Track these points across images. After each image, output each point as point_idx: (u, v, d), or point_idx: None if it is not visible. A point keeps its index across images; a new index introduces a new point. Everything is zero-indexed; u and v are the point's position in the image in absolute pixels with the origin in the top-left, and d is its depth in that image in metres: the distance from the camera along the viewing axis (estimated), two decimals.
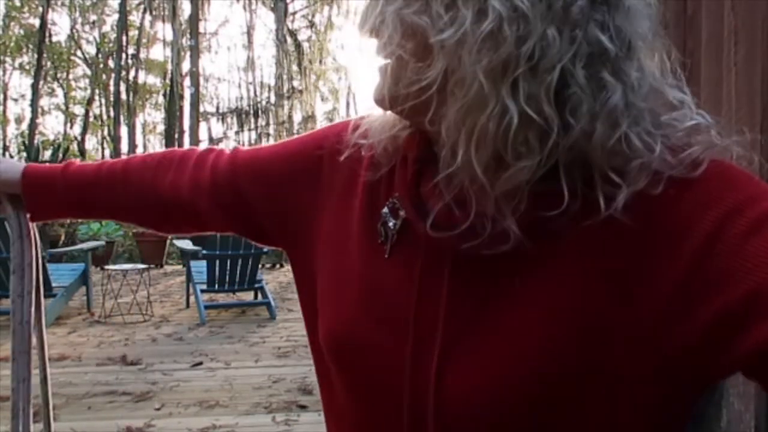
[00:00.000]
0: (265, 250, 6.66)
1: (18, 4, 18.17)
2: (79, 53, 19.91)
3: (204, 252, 6.54)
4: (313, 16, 17.90)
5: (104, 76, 18.87)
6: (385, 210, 0.69)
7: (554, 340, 0.57)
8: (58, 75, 20.01)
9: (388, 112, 0.69)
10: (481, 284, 0.62)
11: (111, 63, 18.63)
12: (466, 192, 0.58)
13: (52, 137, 17.77)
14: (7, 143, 18.88)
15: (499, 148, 0.55)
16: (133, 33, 18.61)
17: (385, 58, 0.61)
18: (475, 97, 0.54)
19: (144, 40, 18.82)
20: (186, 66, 17.11)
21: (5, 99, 20.71)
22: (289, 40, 17.08)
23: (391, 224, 0.68)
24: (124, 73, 17.82)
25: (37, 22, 17.74)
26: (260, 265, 6.88)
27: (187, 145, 17.14)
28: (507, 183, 0.56)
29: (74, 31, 19.36)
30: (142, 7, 17.90)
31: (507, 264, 0.60)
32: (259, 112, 17.94)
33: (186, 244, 7.40)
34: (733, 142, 0.59)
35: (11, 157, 13.50)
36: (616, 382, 0.56)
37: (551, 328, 0.57)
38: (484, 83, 0.54)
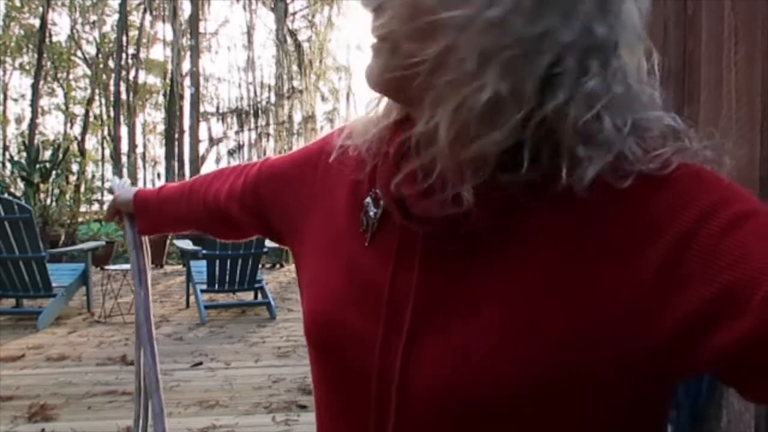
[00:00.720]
0: (265, 249, 6.66)
1: (18, 4, 18.18)
2: (79, 53, 19.91)
3: (204, 252, 6.54)
4: (313, 16, 17.91)
5: (104, 76, 18.88)
6: (368, 200, 0.71)
7: (519, 327, 0.57)
8: (58, 75, 20.01)
9: (371, 114, 0.72)
10: (450, 269, 0.62)
11: (111, 63, 18.63)
12: (435, 162, 0.60)
13: (52, 137, 17.76)
14: (7, 143, 18.89)
15: (473, 120, 0.56)
16: (133, 33, 18.62)
17: (384, 36, 0.62)
18: (466, 73, 0.55)
19: (144, 40, 18.83)
20: (186, 66, 17.12)
21: (5, 99, 20.71)
22: (289, 40, 17.08)
23: (372, 213, 0.70)
24: (124, 73, 17.82)
25: (37, 22, 17.76)
26: (260, 265, 6.88)
27: (186, 144, 17.15)
28: (475, 152, 0.57)
29: (74, 31, 19.37)
30: (142, 7, 17.90)
31: (476, 250, 0.61)
32: (259, 112, 17.94)
33: (186, 244, 7.40)
34: (704, 147, 0.60)
35: (11, 157, 13.51)
36: (582, 375, 0.56)
37: (516, 314, 0.58)
38: (480, 62, 0.55)
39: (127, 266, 7.53)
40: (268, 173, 0.92)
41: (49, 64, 18.61)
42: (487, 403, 0.58)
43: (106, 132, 19.74)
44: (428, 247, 0.64)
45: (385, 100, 0.71)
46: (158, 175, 20.23)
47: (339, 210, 0.76)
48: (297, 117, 17.45)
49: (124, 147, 18.53)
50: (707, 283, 0.51)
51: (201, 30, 17.28)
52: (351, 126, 0.76)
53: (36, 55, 17.41)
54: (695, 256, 0.52)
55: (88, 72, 19.99)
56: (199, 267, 6.77)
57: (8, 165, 12.60)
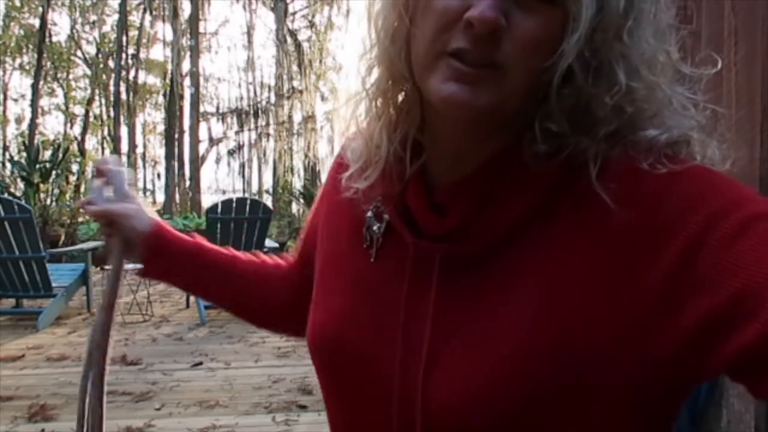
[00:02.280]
0: (265, 249, 6.66)
1: (18, 4, 18.18)
2: (79, 53, 19.92)
3: None
4: (313, 16, 17.92)
5: (104, 76, 18.88)
6: (370, 214, 0.69)
7: (538, 344, 0.57)
8: (58, 75, 20.00)
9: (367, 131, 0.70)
10: (468, 289, 0.62)
11: (111, 63, 18.63)
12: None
13: (52, 137, 17.76)
14: (7, 143, 18.89)
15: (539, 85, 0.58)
16: (133, 33, 18.62)
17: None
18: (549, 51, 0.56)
19: (144, 40, 18.84)
20: (186, 66, 17.13)
21: (5, 99, 20.72)
22: (289, 40, 17.08)
23: (375, 228, 0.69)
24: (124, 73, 17.83)
25: (37, 22, 17.76)
26: None
27: (186, 144, 17.14)
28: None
29: (74, 31, 19.38)
30: (142, 7, 17.91)
31: (494, 267, 0.61)
32: (259, 112, 17.96)
33: None
34: (717, 147, 0.61)
35: (11, 157, 13.51)
36: (600, 384, 0.56)
37: (536, 332, 0.57)
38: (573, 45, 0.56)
39: (127, 266, 7.51)
40: (309, 232, 0.89)
41: (49, 64, 18.61)
42: (506, 417, 0.58)
43: (106, 132, 19.74)
44: (445, 266, 0.63)
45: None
46: (158, 175, 20.25)
47: (341, 228, 0.75)
48: (297, 117, 17.47)
49: (124, 147, 18.54)
50: (719, 288, 0.50)
51: (201, 30, 17.30)
52: (349, 147, 0.73)
53: (36, 55, 17.41)
54: (706, 260, 0.52)
55: (88, 72, 19.99)
56: None
57: (8, 165, 12.60)
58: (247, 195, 16.35)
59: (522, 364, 0.57)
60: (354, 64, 0.66)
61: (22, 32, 19.07)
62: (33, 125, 17.02)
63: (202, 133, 18.28)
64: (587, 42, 0.55)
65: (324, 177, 0.87)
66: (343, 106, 0.69)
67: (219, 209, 6.48)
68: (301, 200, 13.92)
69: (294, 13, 17.97)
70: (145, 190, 19.63)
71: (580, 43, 0.55)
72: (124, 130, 18.33)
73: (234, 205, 6.45)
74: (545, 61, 0.56)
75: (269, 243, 6.87)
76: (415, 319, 0.63)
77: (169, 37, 17.01)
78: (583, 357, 0.56)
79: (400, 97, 0.66)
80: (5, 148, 18.07)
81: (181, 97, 17.16)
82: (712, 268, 0.51)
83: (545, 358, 0.57)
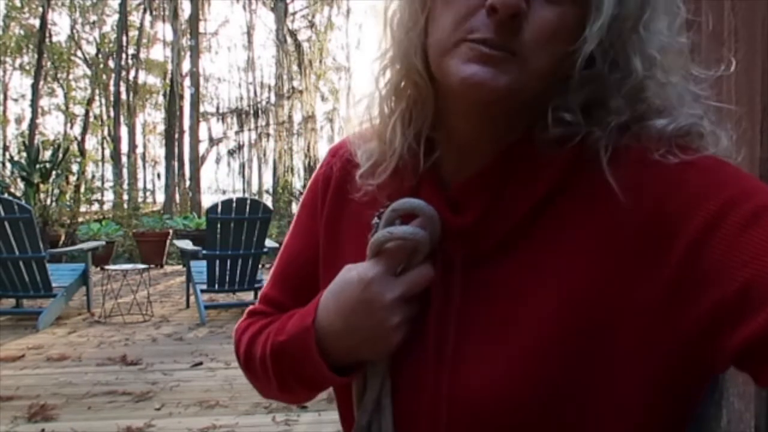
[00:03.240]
0: (265, 250, 6.66)
1: (18, 4, 18.17)
2: (79, 53, 19.91)
3: (204, 252, 6.53)
4: (313, 16, 17.91)
5: (104, 76, 18.87)
6: (376, 220, 0.69)
7: (557, 338, 0.58)
8: (58, 75, 20.00)
9: (365, 125, 0.70)
10: (488, 285, 0.63)
11: (111, 63, 18.63)
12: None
13: (52, 137, 17.74)
14: (7, 143, 18.88)
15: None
16: (133, 33, 18.62)
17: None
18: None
19: (144, 40, 18.84)
20: (186, 66, 17.12)
21: (5, 99, 20.73)
22: (289, 40, 17.08)
23: None
24: (124, 73, 17.83)
25: (37, 22, 17.75)
26: (260, 265, 6.87)
27: (187, 144, 17.15)
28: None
29: (74, 31, 19.37)
30: (142, 7, 17.90)
31: (512, 261, 0.62)
32: (259, 112, 17.96)
33: (186, 244, 7.40)
34: (728, 138, 0.61)
35: (11, 157, 13.50)
36: (618, 374, 0.57)
37: (555, 325, 0.59)
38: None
39: (127, 266, 7.53)
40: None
41: (49, 64, 18.60)
42: (532, 407, 0.59)
43: (106, 132, 19.74)
44: (463, 260, 0.64)
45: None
46: (158, 175, 20.24)
47: (343, 239, 0.75)
48: (297, 117, 17.47)
49: (124, 147, 18.55)
50: (729, 279, 0.51)
51: (201, 30, 17.30)
52: (351, 144, 0.73)
53: (36, 55, 17.41)
54: (717, 250, 0.53)
55: (88, 72, 19.99)
56: (199, 267, 6.77)
57: (8, 165, 12.60)
58: (247, 195, 16.35)
59: (542, 358, 0.58)
60: (367, 64, 0.67)
61: (22, 32, 19.06)
62: (33, 125, 17.02)
63: (202, 133, 18.29)
64: (607, 31, 0.57)
65: None
66: (355, 105, 0.70)
67: (219, 209, 6.47)
68: (301, 200, 13.89)
69: (294, 13, 17.97)
70: (145, 190, 19.62)
71: (602, 32, 0.56)
72: (124, 130, 18.35)
73: (234, 205, 6.45)
74: (564, 48, 0.57)
75: (269, 243, 6.86)
76: (439, 317, 0.65)
77: (169, 37, 17.01)
78: (600, 347, 0.57)
79: (414, 95, 0.66)
80: (5, 148, 18.06)
81: (181, 97, 17.15)
82: (722, 257, 0.52)
83: (564, 352, 0.58)
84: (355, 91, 0.71)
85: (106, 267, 8.03)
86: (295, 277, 0.81)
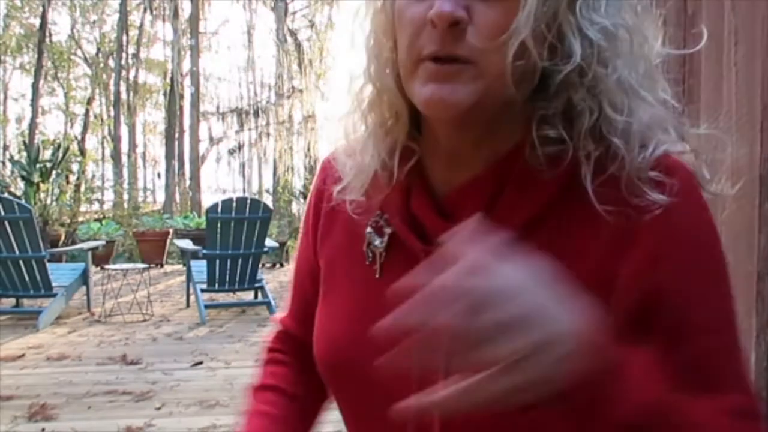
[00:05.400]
0: (265, 249, 6.66)
1: (18, 3, 18.17)
2: (79, 53, 19.90)
3: (204, 251, 6.53)
4: (313, 16, 17.90)
5: (104, 76, 18.87)
6: (369, 230, 0.69)
7: None
8: (59, 75, 19.98)
9: (354, 138, 0.70)
10: None
11: (111, 63, 18.63)
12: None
13: (52, 137, 17.68)
14: (7, 143, 18.87)
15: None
16: (134, 33, 18.61)
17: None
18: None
19: (144, 40, 18.84)
20: (186, 65, 17.13)
21: (5, 99, 20.73)
22: (289, 39, 17.08)
23: (377, 243, 0.69)
24: (124, 72, 17.83)
25: (37, 21, 17.74)
26: (260, 265, 6.88)
27: (187, 144, 17.15)
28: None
29: (74, 30, 19.37)
30: (142, 6, 17.90)
31: None
32: (259, 111, 17.96)
33: (186, 244, 7.40)
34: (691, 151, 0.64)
35: (11, 156, 13.50)
36: None
37: None
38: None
39: (127, 265, 7.53)
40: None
41: (49, 63, 18.59)
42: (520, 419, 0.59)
43: (106, 132, 19.73)
44: None
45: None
46: (158, 175, 20.25)
47: (338, 249, 0.74)
48: (297, 116, 17.44)
49: (125, 147, 18.56)
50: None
51: (201, 30, 17.31)
52: (336, 159, 0.73)
53: (36, 55, 17.39)
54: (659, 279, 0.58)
55: (89, 72, 19.98)
56: (199, 266, 6.77)
57: (8, 165, 12.59)
58: (247, 194, 16.35)
59: None
60: (344, 85, 0.69)
61: (22, 32, 19.05)
62: (33, 125, 17.01)
63: (203, 133, 18.31)
64: (541, 18, 0.56)
65: None
66: (333, 122, 0.71)
67: (219, 209, 6.47)
68: (301, 200, 13.92)
69: (294, 13, 17.97)
70: (145, 189, 19.62)
71: (530, 19, 0.56)
72: (124, 130, 18.35)
73: (234, 204, 6.45)
74: (512, 44, 0.56)
75: (269, 243, 6.86)
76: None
77: (170, 36, 17.02)
78: None
79: (389, 111, 0.67)
80: (5, 147, 18.05)
81: (182, 96, 17.16)
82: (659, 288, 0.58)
83: None
84: (331, 110, 0.72)
85: (106, 266, 8.03)
86: (303, 299, 0.85)
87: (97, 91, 19.58)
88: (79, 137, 18.95)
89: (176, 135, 17.45)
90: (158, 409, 3.91)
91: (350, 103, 0.69)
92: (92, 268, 7.02)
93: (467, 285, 0.45)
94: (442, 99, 0.58)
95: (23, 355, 5.04)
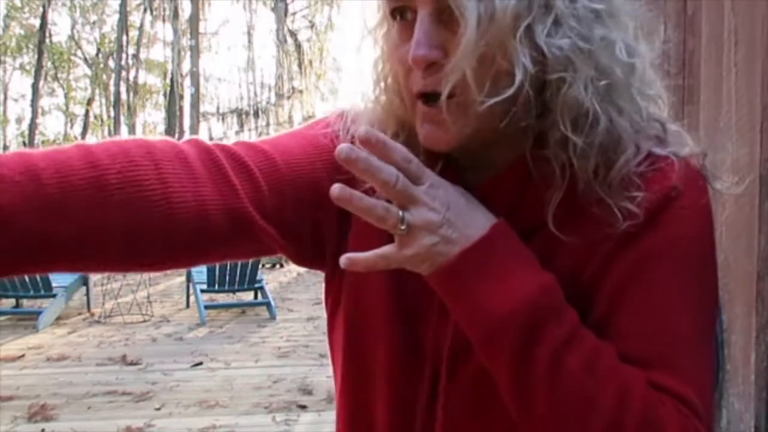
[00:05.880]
0: None
1: (18, 4, 18.18)
2: (79, 53, 19.93)
3: None
4: (314, 16, 17.91)
5: (104, 76, 18.90)
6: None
7: None
8: (59, 75, 20.01)
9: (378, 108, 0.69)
10: None
11: (111, 63, 18.65)
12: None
13: (52, 137, 17.76)
14: (7, 143, 18.89)
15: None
16: (134, 33, 18.62)
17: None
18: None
19: (144, 40, 18.84)
20: (186, 66, 17.12)
21: (5, 99, 20.73)
22: (289, 40, 17.09)
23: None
24: (124, 73, 17.83)
25: (37, 22, 17.77)
26: (260, 265, 6.88)
27: None
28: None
29: (74, 31, 19.39)
30: (142, 7, 17.90)
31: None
32: (259, 112, 17.96)
33: None
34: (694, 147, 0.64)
35: None
36: None
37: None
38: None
39: None
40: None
41: (49, 64, 18.61)
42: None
43: (106, 132, 19.75)
44: None
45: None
46: None
47: (369, 228, 0.73)
48: (297, 117, 17.46)
49: None
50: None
51: (201, 30, 17.29)
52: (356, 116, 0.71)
53: (36, 55, 17.41)
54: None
55: (89, 72, 20.01)
56: (199, 267, 6.78)
57: None
58: None
59: None
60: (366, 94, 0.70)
61: (22, 32, 19.08)
62: (33, 125, 17.02)
63: (203, 133, 18.28)
64: (481, 43, 0.56)
65: None
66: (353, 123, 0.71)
67: None
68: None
69: (294, 13, 17.98)
70: None
71: (470, 45, 0.55)
72: (124, 130, 18.33)
73: None
74: (488, 74, 0.57)
75: None
76: (441, 325, 0.67)
77: (170, 37, 17.01)
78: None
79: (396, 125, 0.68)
80: (5, 148, 18.05)
81: (181, 97, 17.16)
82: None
83: None
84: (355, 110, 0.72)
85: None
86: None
87: (97, 91, 19.61)
88: (79, 138, 18.97)
89: (176, 135, 17.44)
90: (158, 409, 3.91)
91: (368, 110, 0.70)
92: None
93: (421, 168, 0.57)
94: (437, 139, 0.61)
95: (23, 356, 5.04)
